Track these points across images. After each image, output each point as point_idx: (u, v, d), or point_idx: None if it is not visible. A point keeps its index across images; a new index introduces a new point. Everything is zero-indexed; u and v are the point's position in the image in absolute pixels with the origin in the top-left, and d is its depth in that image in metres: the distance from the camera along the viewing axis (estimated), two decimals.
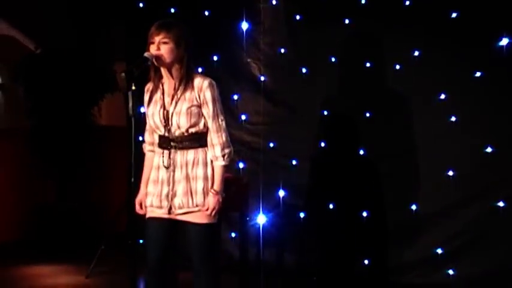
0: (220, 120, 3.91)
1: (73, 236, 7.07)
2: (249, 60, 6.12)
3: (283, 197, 5.99)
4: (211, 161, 3.92)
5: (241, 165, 6.09)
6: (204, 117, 3.90)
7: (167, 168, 3.91)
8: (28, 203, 7.34)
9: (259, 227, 5.76)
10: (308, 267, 6.00)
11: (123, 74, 3.74)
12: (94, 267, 5.95)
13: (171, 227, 3.97)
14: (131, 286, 3.88)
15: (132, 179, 3.83)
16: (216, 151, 3.90)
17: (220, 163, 3.90)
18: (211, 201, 3.86)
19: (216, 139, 3.91)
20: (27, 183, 7.39)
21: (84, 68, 7.20)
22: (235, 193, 5.10)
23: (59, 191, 7.37)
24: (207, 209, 3.86)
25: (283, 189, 5.98)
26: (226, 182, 4.06)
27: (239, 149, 6.08)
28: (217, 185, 3.89)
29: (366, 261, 5.81)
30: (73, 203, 7.34)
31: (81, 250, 6.52)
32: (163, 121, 3.88)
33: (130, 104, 3.73)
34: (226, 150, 3.92)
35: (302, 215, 5.94)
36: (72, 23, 8.17)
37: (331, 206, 5.86)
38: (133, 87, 3.74)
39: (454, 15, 5.49)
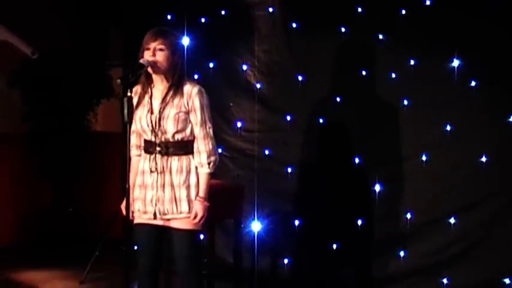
0: (207, 127, 3.95)
1: (68, 241, 7.07)
2: (244, 67, 6.13)
3: (278, 204, 6.01)
4: (196, 168, 3.94)
5: (237, 171, 6.10)
6: (192, 124, 3.93)
7: (151, 172, 3.93)
8: (23, 208, 7.33)
9: (254, 234, 5.76)
10: (302, 274, 6.00)
11: (118, 80, 3.76)
12: (88, 272, 5.96)
13: (159, 232, 4.00)
14: None
15: (127, 185, 3.84)
16: (202, 158, 3.93)
17: (205, 170, 3.94)
18: (198, 208, 3.90)
19: (203, 146, 3.93)
20: (22, 188, 7.37)
21: (81, 73, 7.20)
22: (230, 200, 5.12)
23: (54, 196, 7.37)
24: (195, 217, 3.89)
25: (278, 196, 5.99)
26: (220, 188, 4.09)
27: (234, 156, 6.12)
28: (203, 192, 3.93)
29: (356, 271, 5.82)
30: (68, 208, 7.34)
31: (75, 255, 6.52)
32: (150, 125, 3.90)
33: (126, 110, 3.74)
34: (212, 158, 3.95)
35: (297, 222, 5.94)
36: (68, 28, 8.18)
37: (324, 213, 5.85)
38: (129, 93, 3.79)
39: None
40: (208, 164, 3.92)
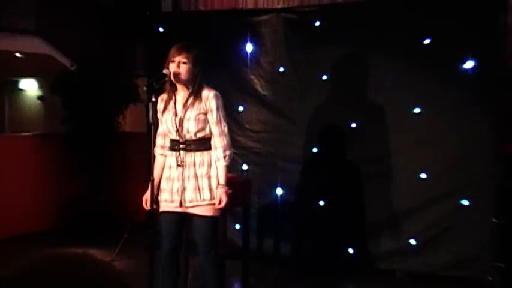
0: (222, 126, 3.91)
1: (101, 225, 7.06)
2: (252, 77, 6.07)
3: (280, 195, 5.95)
4: (215, 162, 3.90)
5: (245, 167, 6.04)
6: (209, 123, 3.88)
7: (178, 167, 3.89)
8: (63, 197, 7.33)
9: (260, 220, 5.70)
10: (301, 255, 5.94)
11: (144, 88, 3.85)
12: (118, 252, 5.96)
13: (182, 219, 3.97)
14: (149, 268, 3.89)
15: (151, 177, 3.88)
16: (218, 153, 3.89)
17: (222, 163, 3.90)
18: (222, 193, 3.86)
19: (219, 142, 3.90)
20: (62, 180, 7.36)
21: (112, 82, 7.20)
22: (239, 191, 5.07)
23: (89, 187, 7.38)
24: (220, 202, 3.86)
25: (280, 187, 5.94)
26: (231, 181, 4.06)
27: (243, 153, 6.07)
28: (223, 181, 3.89)
29: (351, 250, 5.74)
30: (101, 197, 7.35)
31: (107, 237, 6.47)
32: (174, 126, 3.87)
33: (150, 113, 3.81)
34: (227, 152, 3.91)
35: (297, 210, 5.89)
36: (102, 44, 8.17)
37: (321, 203, 5.81)
38: (153, 99, 3.79)
39: (427, 41, 5.44)
40: (224, 157, 3.90)
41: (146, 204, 3.97)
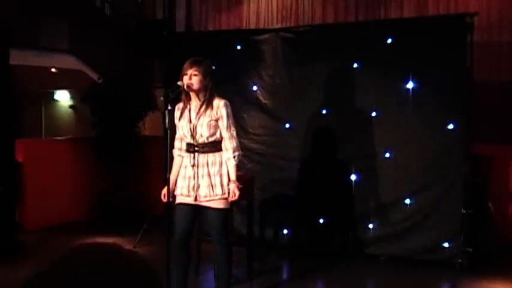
0: (231, 130, 3.92)
1: (124, 216, 7.04)
2: (255, 88, 6.07)
3: (280, 190, 5.94)
4: (226, 162, 3.91)
5: (249, 165, 6.02)
6: (220, 129, 3.89)
7: (193, 166, 3.89)
8: (92, 193, 7.33)
9: (262, 212, 5.69)
10: (298, 242, 5.94)
11: (161, 98, 3.82)
12: (139, 240, 5.94)
13: (194, 211, 3.97)
14: (166, 254, 3.88)
15: (167, 175, 3.91)
16: (229, 153, 3.90)
17: (232, 162, 3.90)
18: (234, 188, 3.88)
19: (229, 144, 3.90)
20: (91, 177, 7.37)
21: (133, 93, 7.20)
22: (244, 186, 5.07)
23: (114, 184, 7.37)
24: (233, 195, 3.87)
25: (280, 183, 5.93)
26: (237, 178, 4.05)
27: (247, 153, 6.04)
28: (234, 177, 3.91)
29: (341, 237, 5.74)
30: (125, 192, 7.33)
31: (130, 227, 6.47)
32: (189, 131, 3.88)
33: (167, 120, 3.79)
34: (236, 153, 3.92)
35: (294, 203, 5.88)
36: (125, 60, 8.19)
37: (316, 197, 5.80)
38: (169, 107, 3.80)
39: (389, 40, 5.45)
40: (234, 157, 3.92)
41: (164, 197, 3.98)
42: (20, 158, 6.35)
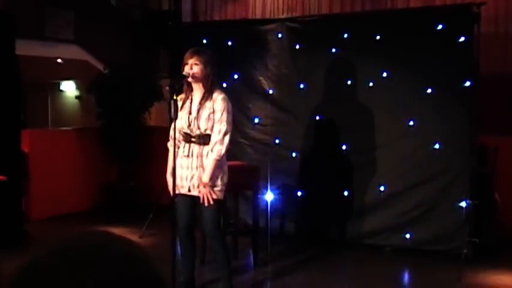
0: (222, 125, 3.78)
1: (129, 207, 7.06)
2: (260, 78, 6.05)
3: (285, 180, 5.93)
4: (206, 155, 3.84)
5: (254, 156, 6.02)
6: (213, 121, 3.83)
7: (188, 157, 3.86)
8: (97, 182, 7.35)
9: (267, 202, 5.70)
10: (302, 231, 5.94)
11: (167, 88, 3.82)
12: (145, 230, 5.95)
13: (193, 200, 3.94)
14: (172, 242, 3.89)
15: (173, 165, 3.82)
16: (210, 146, 3.80)
17: (211, 156, 3.78)
18: (204, 192, 3.77)
19: (214, 138, 3.80)
20: (96, 167, 7.39)
21: (139, 83, 7.19)
22: (249, 176, 5.07)
23: (119, 173, 7.38)
24: (207, 200, 3.75)
25: (285, 174, 5.92)
26: (242, 168, 4.02)
27: (252, 143, 6.06)
28: (207, 177, 3.77)
29: (345, 228, 5.74)
30: (129, 182, 7.35)
31: (135, 217, 6.48)
32: (187, 122, 3.85)
33: (172, 110, 3.75)
34: (218, 147, 3.77)
35: (299, 193, 5.88)
36: (130, 50, 8.17)
37: (320, 186, 5.78)
38: (175, 97, 3.77)
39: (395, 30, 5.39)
40: (212, 150, 3.78)
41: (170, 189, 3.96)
42: (25, 148, 6.36)
